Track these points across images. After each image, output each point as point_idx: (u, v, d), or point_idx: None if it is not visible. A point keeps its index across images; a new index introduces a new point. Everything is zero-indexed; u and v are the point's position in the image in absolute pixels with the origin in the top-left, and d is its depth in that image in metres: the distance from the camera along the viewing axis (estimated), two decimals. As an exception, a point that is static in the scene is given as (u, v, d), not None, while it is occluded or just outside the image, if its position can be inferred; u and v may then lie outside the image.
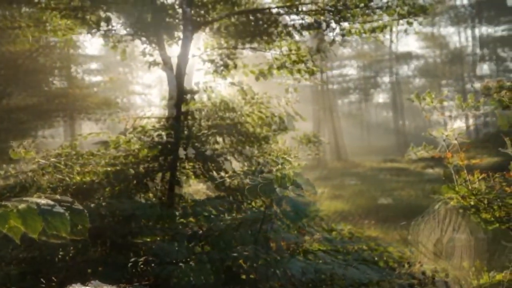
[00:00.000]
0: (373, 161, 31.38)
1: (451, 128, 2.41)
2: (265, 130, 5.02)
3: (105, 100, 14.60)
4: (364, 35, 4.10)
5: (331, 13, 3.97)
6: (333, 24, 4.02)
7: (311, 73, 4.60)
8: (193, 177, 4.07)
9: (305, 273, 1.87)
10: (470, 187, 2.07)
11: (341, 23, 4.03)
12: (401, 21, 4.05)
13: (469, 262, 2.47)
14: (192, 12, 4.50)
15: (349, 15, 4.08)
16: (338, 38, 4.10)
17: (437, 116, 2.50)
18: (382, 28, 4.02)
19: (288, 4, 4.16)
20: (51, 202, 0.93)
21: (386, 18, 4.08)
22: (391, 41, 47.29)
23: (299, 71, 4.64)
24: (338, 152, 35.10)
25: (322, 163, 30.85)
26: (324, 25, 4.10)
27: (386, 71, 53.85)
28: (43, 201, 0.97)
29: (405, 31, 4.35)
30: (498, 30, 52.19)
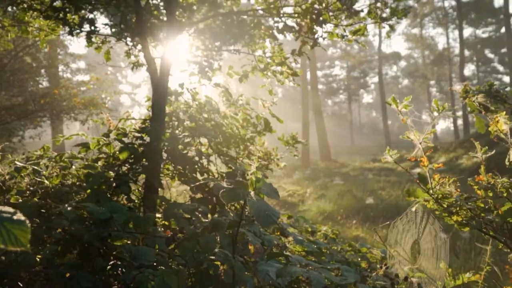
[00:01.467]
0: (361, 161, 31.68)
1: (430, 130, 2.44)
2: (250, 131, 5.03)
3: (91, 100, 14.50)
4: (346, 37, 4.13)
5: (313, 16, 3.99)
6: (315, 27, 4.05)
7: (295, 75, 4.62)
8: (176, 178, 4.06)
9: (280, 276, 1.89)
10: (442, 190, 2.09)
11: (323, 26, 4.06)
12: (383, 24, 4.09)
13: (445, 263, 2.50)
14: (177, 13, 4.50)
15: (332, 17, 4.11)
16: (320, 41, 4.12)
17: (425, 116, 2.53)
18: (363, 31, 4.05)
19: (271, 6, 4.18)
20: (11, 210, 0.93)
21: (368, 21, 4.11)
22: (380, 42, 47.75)
23: (282, 73, 4.67)
24: (325, 152, 35.26)
25: (309, 163, 31.02)
26: (306, 27, 4.12)
27: (376, 71, 54.34)
28: (4, 208, 0.97)
29: (387, 34, 4.37)
30: (486, 32, 53.04)
